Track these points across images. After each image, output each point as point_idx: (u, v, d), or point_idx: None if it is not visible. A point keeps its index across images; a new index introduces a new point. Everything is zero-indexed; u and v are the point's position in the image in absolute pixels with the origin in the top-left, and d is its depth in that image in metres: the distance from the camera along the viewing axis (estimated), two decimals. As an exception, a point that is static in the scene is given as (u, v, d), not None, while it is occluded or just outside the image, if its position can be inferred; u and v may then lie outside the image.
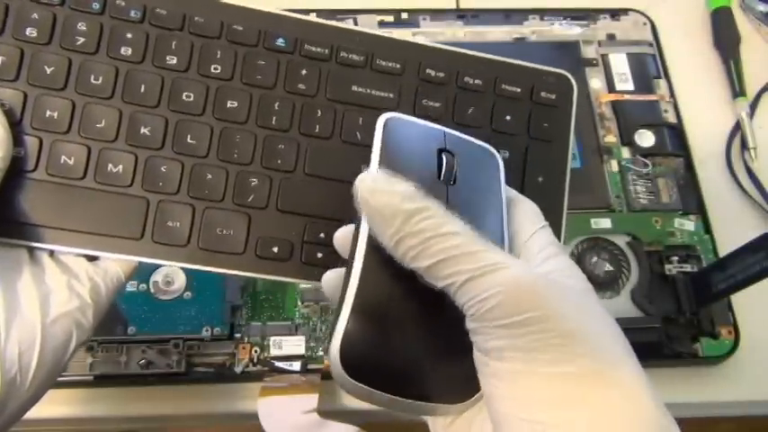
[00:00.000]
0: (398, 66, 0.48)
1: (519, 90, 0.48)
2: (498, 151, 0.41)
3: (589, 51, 0.83)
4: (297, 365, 0.64)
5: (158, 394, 0.63)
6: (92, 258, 0.43)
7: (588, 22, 0.85)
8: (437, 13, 0.85)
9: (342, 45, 0.47)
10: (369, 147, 0.46)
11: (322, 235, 0.45)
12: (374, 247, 0.35)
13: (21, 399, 0.38)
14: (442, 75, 0.48)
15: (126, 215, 0.43)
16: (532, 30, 0.84)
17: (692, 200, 0.74)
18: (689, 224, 0.72)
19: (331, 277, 0.40)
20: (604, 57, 0.83)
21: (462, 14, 0.85)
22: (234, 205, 0.44)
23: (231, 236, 0.44)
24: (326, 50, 0.47)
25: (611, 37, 0.84)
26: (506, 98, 0.48)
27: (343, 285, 0.35)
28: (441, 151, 0.38)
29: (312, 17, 0.48)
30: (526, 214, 0.40)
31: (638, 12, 0.86)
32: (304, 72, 0.47)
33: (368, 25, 0.81)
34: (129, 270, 0.44)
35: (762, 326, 0.69)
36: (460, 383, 0.36)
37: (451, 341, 0.35)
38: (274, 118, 0.46)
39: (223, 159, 0.45)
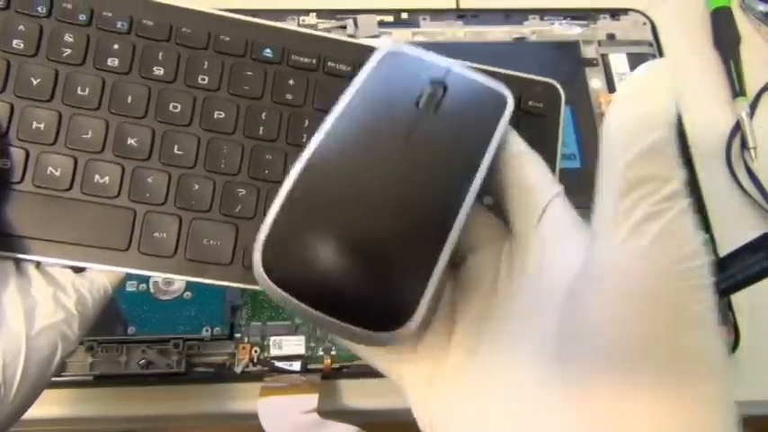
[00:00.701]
0: None
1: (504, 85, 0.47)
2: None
3: (589, 51, 0.82)
4: (297, 365, 0.64)
5: (158, 394, 0.63)
6: (78, 270, 0.43)
7: (588, 22, 0.84)
8: (437, 13, 0.84)
9: (329, 55, 0.47)
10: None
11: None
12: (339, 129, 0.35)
13: (5, 411, 0.38)
14: (428, 84, 0.47)
15: (112, 226, 0.42)
16: (532, 30, 0.83)
17: (692, 200, 0.71)
18: (689, 224, 0.71)
19: None
20: (604, 57, 0.82)
21: (462, 14, 0.84)
22: (221, 216, 0.44)
23: (219, 246, 0.43)
24: (314, 60, 0.46)
25: (611, 37, 0.83)
26: None
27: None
28: (432, 82, 0.37)
29: (299, 27, 0.47)
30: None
31: (638, 12, 0.85)
32: (291, 82, 0.46)
33: (368, 25, 0.81)
34: (116, 281, 0.44)
35: (762, 326, 0.68)
36: (390, 311, 0.32)
37: (389, 260, 0.32)
38: (262, 128, 0.45)
39: (210, 170, 0.44)
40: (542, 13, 0.84)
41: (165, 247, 0.43)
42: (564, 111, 0.49)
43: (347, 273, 0.31)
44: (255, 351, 0.64)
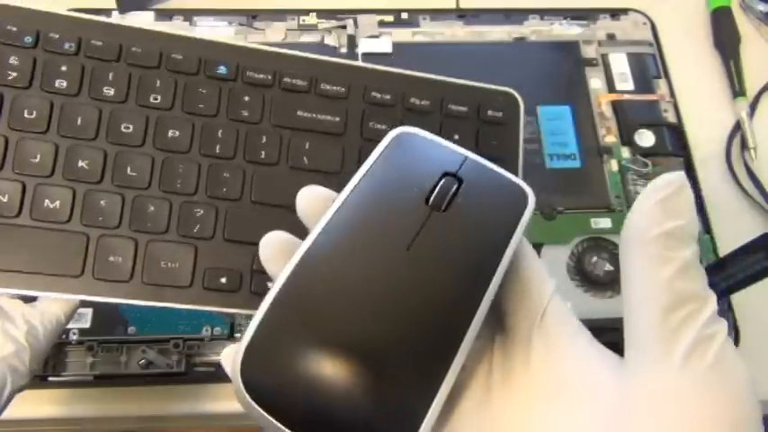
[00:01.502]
0: (343, 89, 0.45)
1: (466, 109, 0.45)
2: None
3: (589, 51, 0.80)
4: None
5: (158, 394, 0.62)
6: (28, 299, 0.41)
7: (588, 22, 0.82)
8: (437, 13, 0.82)
9: (284, 70, 0.45)
10: (316, 171, 0.44)
11: (271, 264, 0.42)
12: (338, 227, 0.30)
13: None
14: (388, 97, 0.46)
15: (64, 252, 0.41)
16: (532, 30, 0.81)
17: (694, 199, 0.71)
18: (689, 224, 0.69)
19: (312, 194, 0.33)
20: (604, 57, 0.80)
21: (462, 14, 0.82)
22: (179, 237, 0.42)
23: (177, 268, 0.42)
24: (269, 76, 0.45)
25: (611, 37, 0.81)
26: (453, 117, 0.46)
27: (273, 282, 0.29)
28: (446, 174, 0.32)
29: (252, 43, 0.46)
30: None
31: (638, 12, 0.83)
32: (247, 99, 0.44)
33: (368, 25, 0.79)
34: (70, 310, 0.42)
35: (762, 326, 0.66)
36: (404, 427, 0.27)
37: (385, 382, 0.27)
38: (218, 146, 0.43)
39: (166, 190, 0.42)
40: (542, 13, 0.83)
41: (121, 272, 0.41)
42: (522, 118, 0.47)
43: (340, 393, 0.27)
44: None
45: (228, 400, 0.62)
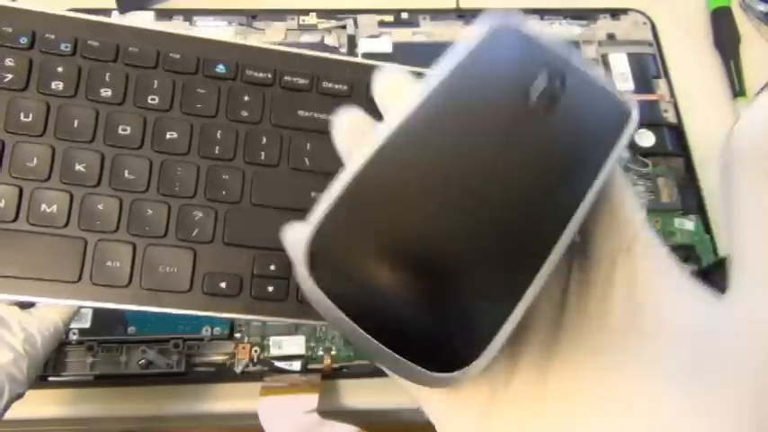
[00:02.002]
0: (345, 87, 0.44)
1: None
2: None
3: (589, 51, 0.80)
4: (297, 365, 0.63)
5: (158, 394, 0.62)
6: (25, 306, 0.40)
7: (588, 22, 0.83)
8: (437, 13, 0.82)
9: (285, 69, 0.44)
10: (318, 173, 0.43)
11: (272, 267, 0.41)
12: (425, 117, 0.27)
13: None
14: (390, 94, 0.44)
15: (62, 257, 0.39)
16: (532, 30, 0.80)
17: (692, 200, 0.72)
18: (689, 224, 0.70)
19: (352, 119, 0.31)
20: (604, 57, 0.80)
21: (462, 14, 0.82)
22: (177, 241, 0.41)
23: (176, 273, 0.40)
24: (269, 75, 0.43)
25: (611, 37, 0.82)
26: None
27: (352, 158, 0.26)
28: (549, 72, 0.29)
29: (251, 42, 0.45)
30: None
31: (638, 12, 0.84)
32: (246, 98, 0.43)
33: (368, 25, 0.79)
34: (68, 316, 0.41)
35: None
36: (454, 347, 0.25)
37: (463, 285, 0.25)
38: (217, 147, 0.42)
39: (164, 193, 0.41)
40: (542, 13, 0.83)
41: (119, 277, 0.40)
42: None
43: (411, 295, 0.24)
44: (255, 351, 0.63)
45: (228, 401, 0.63)
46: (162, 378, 0.62)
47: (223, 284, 0.41)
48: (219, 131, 0.42)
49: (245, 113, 0.43)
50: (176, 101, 0.42)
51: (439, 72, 0.28)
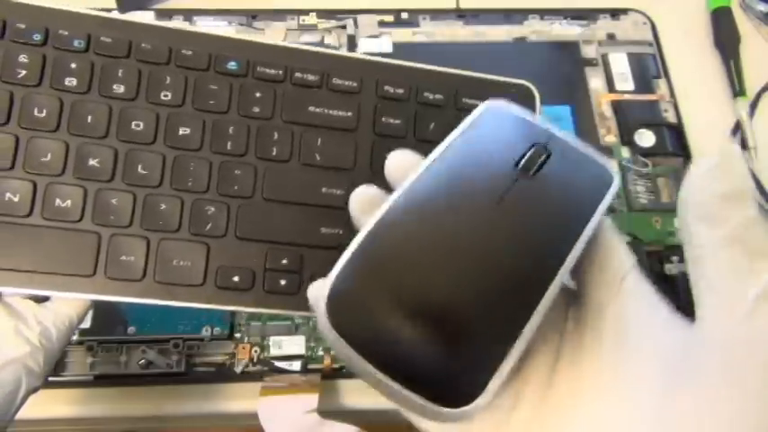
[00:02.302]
0: (355, 84, 0.44)
1: (480, 103, 0.44)
2: None
3: (589, 51, 0.80)
4: (297, 365, 0.62)
5: (158, 394, 0.62)
6: (40, 300, 0.40)
7: (588, 22, 0.82)
8: (437, 13, 0.81)
9: (296, 66, 0.44)
10: (329, 168, 0.43)
11: (284, 261, 0.41)
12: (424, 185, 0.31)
13: None
14: (400, 91, 0.45)
15: (76, 251, 0.40)
16: (532, 30, 0.80)
17: None
18: (689, 224, 0.69)
19: (365, 193, 0.34)
20: (604, 57, 0.79)
21: (462, 14, 0.82)
22: (190, 235, 0.41)
23: (189, 267, 0.41)
24: (280, 72, 0.44)
25: (611, 37, 0.81)
26: (468, 111, 0.44)
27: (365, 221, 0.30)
28: (534, 145, 0.33)
29: (263, 39, 0.45)
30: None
31: (638, 12, 0.83)
32: (258, 95, 0.43)
33: (368, 25, 0.79)
34: (82, 311, 0.41)
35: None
36: (464, 383, 0.28)
37: (471, 326, 0.28)
38: (229, 143, 0.42)
39: (177, 188, 0.41)
40: (542, 13, 0.82)
41: (133, 271, 0.40)
42: (539, 110, 0.46)
43: (420, 338, 0.27)
44: (255, 351, 0.63)
45: (228, 401, 0.62)
46: (162, 378, 0.61)
47: (236, 278, 0.41)
48: (231, 127, 0.43)
49: (256, 109, 0.43)
50: (188, 97, 0.43)
51: (438, 149, 0.32)
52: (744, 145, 0.74)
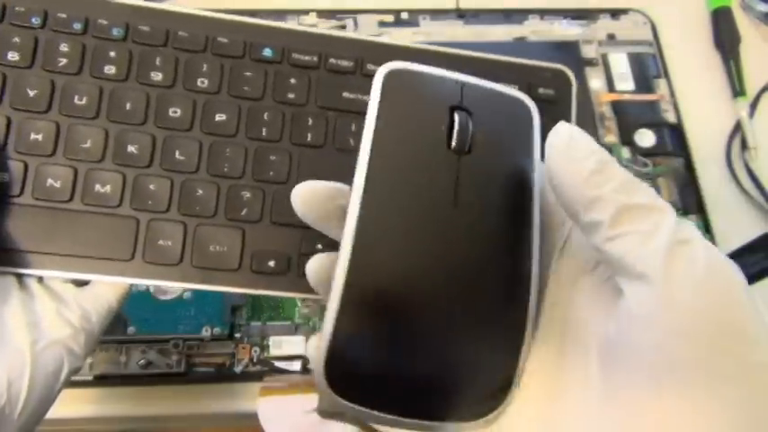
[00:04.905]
0: None
1: (517, 88, 0.44)
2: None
3: (589, 51, 0.79)
4: (297, 365, 0.61)
5: (158, 394, 0.61)
6: (81, 284, 0.40)
7: (588, 22, 0.81)
8: (437, 13, 0.81)
9: (330, 52, 0.44)
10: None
11: (319, 246, 0.41)
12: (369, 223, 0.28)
13: (10, 430, 0.35)
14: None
15: (115, 236, 0.39)
16: (532, 30, 0.80)
17: (692, 200, 0.71)
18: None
19: (317, 264, 0.33)
20: (604, 56, 0.79)
21: (462, 14, 0.81)
22: (226, 220, 0.41)
23: (225, 252, 0.40)
24: (314, 58, 0.44)
25: (611, 37, 0.81)
26: None
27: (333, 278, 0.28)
28: (453, 109, 0.30)
29: (298, 26, 0.45)
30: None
31: (638, 11, 0.83)
32: (293, 81, 0.43)
33: (368, 25, 0.78)
34: (121, 295, 0.41)
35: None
36: (482, 395, 0.28)
37: (471, 342, 0.28)
38: (264, 129, 0.42)
39: (213, 174, 0.41)
40: (542, 13, 0.82)
41: (171, 255, 0.40)
42: (575, 96, 0.46)
43: (433, 370, 0.27)
44: (255, 351, 0.62)
45: (228, 401, 0.62)
46: (162, 378, 0.61)
47: (271, 263, 0.41)
48: (266, 113, 0.42)
49: (291, 96, 0.43)
50: (224, 84, 0.43)
51: (364, 147, 0.30)
52: (744, 145, 0.74)
